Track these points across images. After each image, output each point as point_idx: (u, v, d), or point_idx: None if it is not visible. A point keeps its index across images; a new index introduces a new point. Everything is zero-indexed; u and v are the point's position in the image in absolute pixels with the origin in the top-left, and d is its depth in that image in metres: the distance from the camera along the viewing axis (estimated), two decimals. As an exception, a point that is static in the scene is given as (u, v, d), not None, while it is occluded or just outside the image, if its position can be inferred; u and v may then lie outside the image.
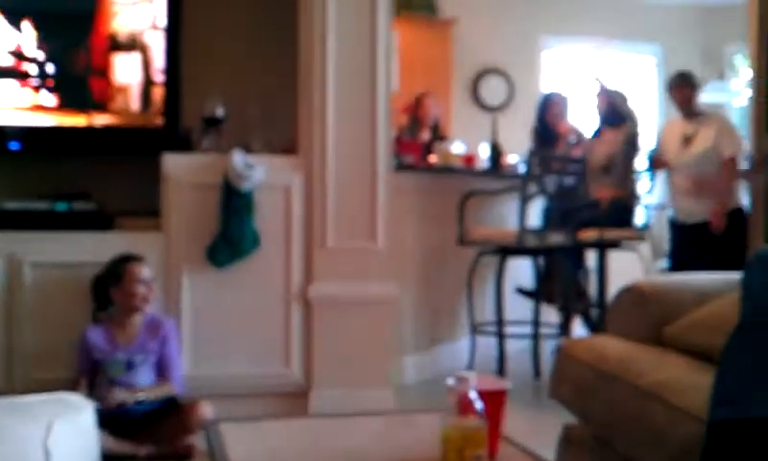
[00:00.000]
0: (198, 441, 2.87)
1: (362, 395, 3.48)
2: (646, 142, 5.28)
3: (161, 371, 3.19)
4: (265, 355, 3.58)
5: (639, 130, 5.14)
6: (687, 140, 4.87)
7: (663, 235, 5.94)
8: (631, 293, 2.45)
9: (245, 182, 3.44)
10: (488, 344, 4.52)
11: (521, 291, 4.83)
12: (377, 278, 3.63)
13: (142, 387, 3.10)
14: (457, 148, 4.85)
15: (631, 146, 5.07)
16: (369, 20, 3.61)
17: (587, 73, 7.53)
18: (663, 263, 5.66)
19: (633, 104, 5.31)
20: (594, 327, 4.84)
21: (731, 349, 1.53)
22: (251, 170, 3.44)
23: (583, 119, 5.46)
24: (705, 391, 1.51)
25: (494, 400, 1.65)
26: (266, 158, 3.58)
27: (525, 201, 4.19)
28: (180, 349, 3.36)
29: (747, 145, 4.68)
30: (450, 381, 1.51)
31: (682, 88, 4.96)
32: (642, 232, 5.11)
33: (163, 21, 3.69)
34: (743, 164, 4.71)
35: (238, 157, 3.44)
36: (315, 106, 3.59)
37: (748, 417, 1.38)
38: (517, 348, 4.71)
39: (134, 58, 3.73)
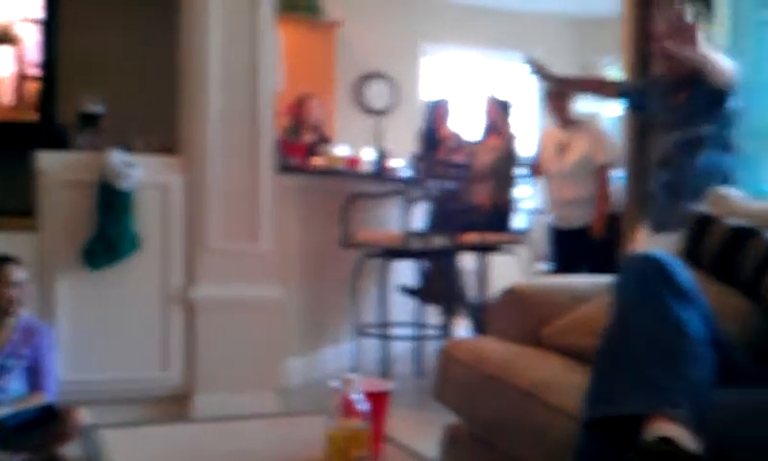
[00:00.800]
0: (75, 448, 2.78)
1: (246, 398, 3.44)
2: (525, 150, 5.45)
3: (34, 377, 3.06)
4: (144, 359, 3.50)
5: (518, 138, 5.30)
6: (563, 149, 5.04)
7: (542, 239, 6.14)
8: (510, 295, 2.49)
9: (124, 182, 3.35)
10: (372, 346, 4.56)
11: (405, 289, 4.88)
12: (261, 279, 3.60)
13: (13, 394, 2.97)
14: (341, 151, 4.87)
15: (511, 153, 5.22)
16: (251, 20, 3.57)
17: (468, 80, 7.70)
18: (542, 266, 5.85)
19: (513, 113, 5.47)
20: (477, 328, 4.95)
21: (602, 349, 1.58)
22: (130, 169, 3.35)
23: (464, 125, 5.58)
24: (580, 390, 1.56)
25: (378, 402, 1.66)
26: (145, 157, 3.50)
27: (409, 204, 4.24)
28: (56, 354, 3.24)
29: (620, 153, 4.89)
30: (334, 383, 1.51)
31: (556, 98, 5.13)
32: (521, 236, 5.28)
33: (39, 13, 3.56)
34: (618, 172, 4.92)
35: (116, 156, 3.34)
36: (196, 105, 3.53)
37: (619, 415, 1.42)
38: (402, 349, 4.77)
39: (6, 51, 3.57)
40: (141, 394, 3.46)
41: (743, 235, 2.20)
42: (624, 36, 4.59)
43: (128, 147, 3.47)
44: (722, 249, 2.21)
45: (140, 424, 2.89)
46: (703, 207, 2.48)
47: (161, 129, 3.66)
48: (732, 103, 3.41)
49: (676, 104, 3.53)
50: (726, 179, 3.34)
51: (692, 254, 2.29)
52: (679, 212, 3.39)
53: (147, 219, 3.48)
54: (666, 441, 1.33)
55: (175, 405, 3.48)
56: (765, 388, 1.64)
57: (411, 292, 4.83)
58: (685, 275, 1.67)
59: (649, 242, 3.54)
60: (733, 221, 2.28)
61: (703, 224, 2.32)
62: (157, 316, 3.51)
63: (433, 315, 5.17)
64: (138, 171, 3.37)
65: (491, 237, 4.98)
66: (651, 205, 3.66)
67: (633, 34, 4.47)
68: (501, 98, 5.37)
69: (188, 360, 3.53)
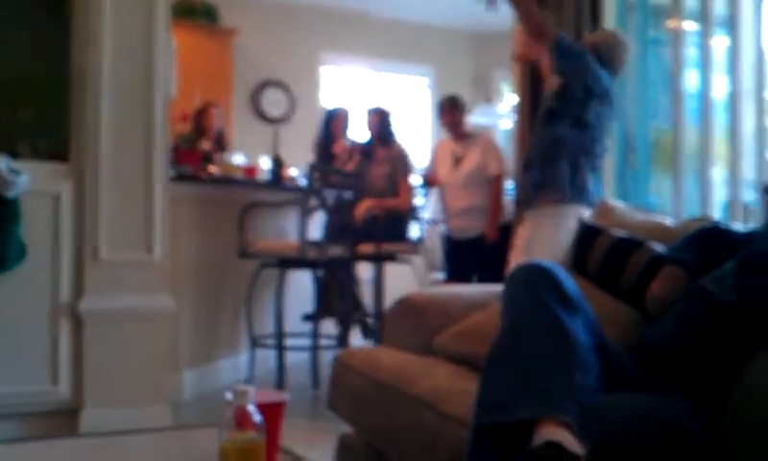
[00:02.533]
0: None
1: (138, 412, 3.35)
2: (419, 161, 5.53)
3: None
4: (31, 373, 3.37)
5: (407, 148, 5.38)
6: (457, 161, 5.15)
7: (436, 248, 6.23)
8: (404, 305, 2.52)
9: (10, 189, 3.22)
10: (268, 357, 4.52)
11: (307, 317, 4.89)
12: (153, 290, 3.52)
13: None
14: (238, 159, 4.82)
15: (403, 164, 5.29)
16: (146, 26, 3.50)
17: (363, 91, 7.76)
18: (437, 275, 5.93)
19: (402, 123, 5.56)
20: (373, 337, 4.99)
21: (492, 357, 1.61)
22: (16, 176, 3.23)
23: (359, 136, 5.62)
24: (471, 397, 1.57)
25: (272, 413, 1.64)
26: (33, 165, 3.37)
27: (306, 214, 4.23)
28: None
29: (510, 164, 5.02)
30: (228, 395, 1.49)
31: (451, 112, 5.24)
32: (416, 246, 5.35)
33: None
34: (509, 181, 5.06)
35: (1, 162, 3.21)
36: (88, 111, 3.43)
37: (509, 422, 1.45)
38: (298, 360, 4.75)
39: None
40: (28, 408, 3.32)
41: (628, 246, 2.29)
42: (515, 48, 4.71)
43: (14, 153, 3.34)
44: (607, 259, 2.29)
45: (27, 439, 2.79)
46: (590, 219, 2.58)
47: (53, 134, 3.54)
48: (596, 83, 3.55)
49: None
50: (574, 153, 3.49)
51: (579, 263, 2.36)
52: (530, 183, 3.57)
53: (35, 228, 3.35)
54: (553, 445, 1.36)
55: (63, 420, 3.36)
56: (646, 393, 1.69)
57: (311, 317, 4.83)
58: (571, 283, 1.73)
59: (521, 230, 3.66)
60: (619, 232, 2.37)
61: (589, 235, 2.40)
62: (46, 328, 3.39)
63: (330, 326, 5.18)
64: (25, 178, 3.25)
65: (386, 247, 5.04)
66: (517, 189, 3.82)
67: (524, 44, 4.58)
68: (383, 109, 5.43)
69: (77, 374, 3.41)
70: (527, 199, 3.67)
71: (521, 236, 3.66)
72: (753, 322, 1.67)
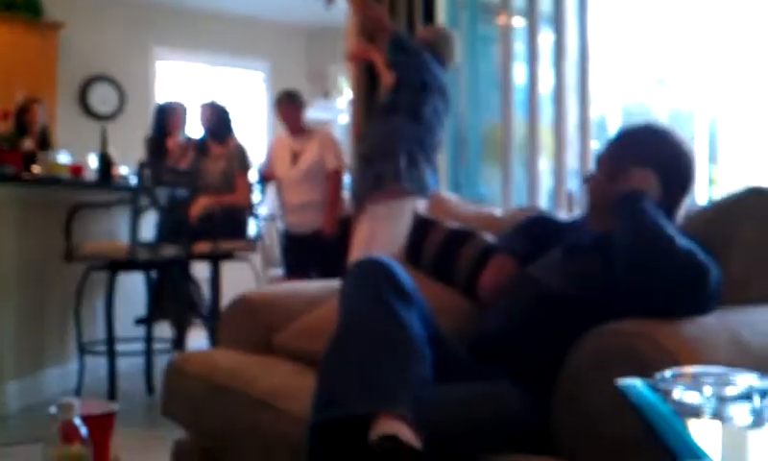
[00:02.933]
0: None
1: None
2: (255, 156, 5.47)
3: None
4: None
5: (243, 144, 5.31)
6: (295, 156, 5.13)
7: (274, 245, 6.20)
8: (241, 304, 2.49)
9: None
10: (100, 364, 4.34)
11: (140, 321, 4.72)
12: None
13: None
14: (63, 158, 4.59)
15: (240, 160, 5.21)
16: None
17: (198, 86, 7.61)
18: (275, 271, 5.89)
19: (239, 119, 5.48)
20: (212, 338, 4.88)
21: (329, 353, 1.61)
22: None
23: (192, 132, 5.49)
24: (311, 394, 1.57)
25: (101, 425, 1.60)
26: None
27: (137, 213, 4.08)
28: None
29: (348, 159, 5.06)
30: (52, 409, 1.43)
31: (288, 107, 5.21)
32: (254, 243, 5.29)
33: None
34: (347, 176, 5.09)
35: None
36: None
37: (346, 417, 1.45)
38: (131, 365, 4.58)
39: None
40: None
41: (460, 238, 2.34)
42: (349, 46, 4.75)
43: None
44: (440, 250, 2.34)
45: None
46: (424, 211, 2.62)
47: None
48: (432, 78, 3.65)
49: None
50: (411, 146, 3.57)
51: (413, 255, 2.40)
52: (368, 178, 3.64)
53: None
54: (389, 438, 1.37)
55: None
56: (479, 381, 1.74)
57: (144, 321, 4.67)
58: (406, 277, 1.75)
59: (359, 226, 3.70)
60: (451, 224, 2.42)
61: (423, 226, 2.44)
62: None
63: (165, 329, 5.03)
64: None
65: (223, 245, 4.95)
66: (352, 182, 3.87)
67: (356, 43, 4.64)
68: (218, 104, 5.34)
69: None
70: (365, 193, 3.70)
71: (361, 232, 3.69)
72: (577, 308, 1.74)
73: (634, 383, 1.09)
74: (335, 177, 5.07)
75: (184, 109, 5.56)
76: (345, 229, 4.84)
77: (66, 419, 1.43)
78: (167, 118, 5.47)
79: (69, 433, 1.42)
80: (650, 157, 1.82)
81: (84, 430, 1.43)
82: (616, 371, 1.28)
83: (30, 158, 4.65)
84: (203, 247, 4.89)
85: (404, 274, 1.76)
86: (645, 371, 1.19)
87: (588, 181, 1.99)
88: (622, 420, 1.33)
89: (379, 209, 3.60)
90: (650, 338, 1.43)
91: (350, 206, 4.80)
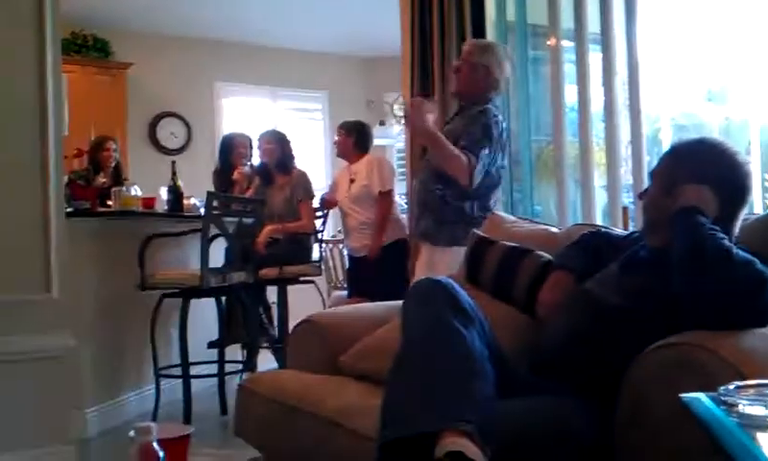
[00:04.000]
0: None
1: (40, 454, 3.27)
2: (316, 184, 5.59)
3: None
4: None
5: (304, 172, 5.43)
6: (351, 181, 5.23)
7: (338, 266, 6.31)
8: (306, 326, 2.55)
9: None
10: (175, 387, 4.47)
11: (212, 345, 4.85)
12: (53, 329, 3.44)
13: None
14: (135, 191, 4.77)
15: (304, 187, 5.34)
16: (36, 64, 3.42)
17: (261, 118, 7.78)
18: (340, 294, 6.00)
19: (299, 148, 5.61)
20: (282, 360, 4.99)
21: (393, 372, 1.65)
22: None
23: (256, 162, 5.64)
24: (377, 413, 1.60)
25: (177, 447, 1.65)
26: None
27: (206, 241, 4.22)
28: None
29: (399, 181, 5.13)
30: (131, 433, 1.48)
31: (344, 137, 5.33)
32: (318, 266, 5.40)
33: None
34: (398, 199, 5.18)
35: None
36: (-23, 152, 3.35)
37: (413, 434, 1.48)
38: (205, 388, 4.71)
39: None
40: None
41: (518, 255, 2.39)
42: (403, 74, 4.83)
43: None
44: (499, 269, 2.39)
45: None
46: (480, 232, 2.67)
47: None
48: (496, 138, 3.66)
49: None
50: (455, 217, 3.59)
51: (472, 275, 2.45)
52: (420, 226, 3.68)
53: None
54: (456, 455, 1.40)
55: (-38, 469, 3.26)
56: (537, 396, 1.77)
57: (216, 344, 4.80)
58: (465, 296, 1.80)
59: (428, 256, 3.74)
60: (509, 243, 2.47)
61: (481, 246, 2.50)
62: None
63: (237, 351, 5.16)
64: None
65: (289, 270, 5.07)
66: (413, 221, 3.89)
67: (412, 71, 4.71)
68: (281, 134, 5.48)
69: (-24, 420, 3.31)
70: (419, 233, 3.77)
71: (423, 256, 3.74)
72: (635, 322, 1.76)
73: (698, 397, 1.08)
74: (381, 200, 5.12)
75: (248, 140, 5.72)
76: (395, 251, 4.91)
77: (144, 442, 1.47)
78: (231, 149, 5.64)
79: (147, 456, 1.47)
80: (704, 171, 1.84)
81: (161, 453, 1.48)
82: (678, 384, 1.30)
83: (104, 193, 4.85)
84: (270, 272, 5.02)
85: (464, 293, 1.80)
86: (707, 383, 1.19)
87: (643, 196, 2.01)
88: (686, 433, 1.32)
89: (437, 251, 3.64)
90: (711, 351, 1.42)
91: (405, 227, 4.87)
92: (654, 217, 1.94)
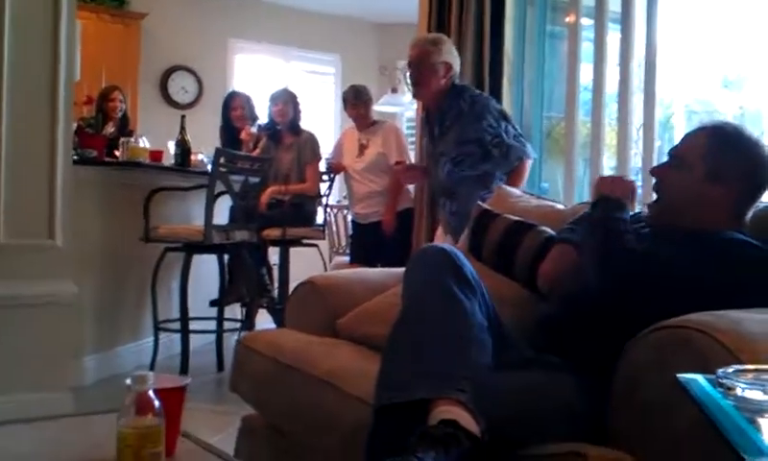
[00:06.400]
0: None
1: (37, 399, 3.29)
2: (325, 148, 5.58)
3: None
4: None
5: (313, 135, 5.42)
6: (362, 148, 5.21)
7: (342, 233, 6.31)
8: (307, 287, 2.54)
9: None
10: (173, 341, 4.50)
11: (213, 303, 4.87)
12: (55, 275, 3.46)
13: None
14: (143, 143, 4.77)
15: (311, 150, 5.33)
16: (51, 9, 3.42)
17: (272, 78, 7.74)
18: (342, 259, 6.01)
19: (310, 111, 5.59)
20: (279, 321, 5.01)
21: (392, 337, 1.66)
22: None
23: (264, 122, 5.62)
24: (372, 377, 1.61)
25: (173, 398, 1.61)
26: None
27: (212, 198, 4.22)
28: None
29: (412, 151, 5.12)
30: (127, 381, 1.47)
31: (354, 103, 5.30)
32: (321, 230, 5.41)
33: None
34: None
35: None
36: (-12, 93, 3.34)
37: (407, 401, 1.49)
38: (203, 343, 4.74)
39: None
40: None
41: (521, 229, 2.38)
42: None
43: None
44: (502, 242, 2.38)
45: None
46: (485, 204, 2.66)
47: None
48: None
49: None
50: (492, 184, 3.61)
51: (475, 247, 2.45)
52: (448, 210, 3.69)
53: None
54: (449, 423, 1.40)
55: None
56: (535, 370, 1.76)
57: (217, 302, 4.82)
58: (469, 266, 1.79)
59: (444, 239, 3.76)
60: (513, 217, 2.46)
61: (484, 219, 2.49)
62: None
63: (236, 310, 5.18)
64: None
65: (292, 232, 5.08)
66: (445, 225, 3.88)
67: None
68: (292, 94, 5.46)
69: (-26, 362, 3.33)
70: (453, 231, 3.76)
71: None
72: (634, 300, 1.74)
73: (695, 378, 1.07)
74: (397, 168, 5.11)
75: (245, 99, 5.70)
76: (405, 220, 4.91)
77: (141, 390, 1.45)
78: (229, 109, 5.63)
79: (143, 404, 1.45)
80: (725, 154, 1.86)
81: (157, 402, 1.46)
82: (674, 366, 1.28)
83: (111, 143, 4.84)
84: (273, 233, 5.02)
85: (467, 262, 1.80)
86: (704, 367, 1.17)
87: (656, 171, 2.00)
88: (680, 414, 1.33)
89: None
90: (709, 335, 1.42)
91: (413, 200, 4.86)
92: (667, 195, 1.93)
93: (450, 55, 3.76)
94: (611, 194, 1.95)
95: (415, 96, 4.00)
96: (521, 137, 3.74)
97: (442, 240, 3.77)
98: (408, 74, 3.80)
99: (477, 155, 3.61)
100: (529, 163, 3.78)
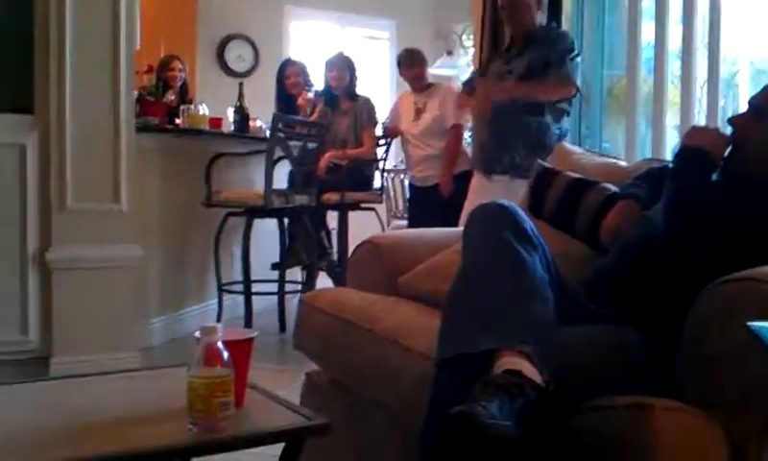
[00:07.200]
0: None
1: (107, 359, 3.40)
2: (381, 112, 5.58)
3: None
4: (1, 323, 3.40)
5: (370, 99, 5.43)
6: (418, 112, 5.20)
7: (399, 196, 6.31)
8: (367, 247, 2.57)
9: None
10: (237, 303, 4.58)
11: (275, 266, 4.93)
12: (121, 240, 3.56)
13: None
14: (204, 110, 4.83)
15: (369, 114, 5.33)
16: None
17: (328, 44, 7.74)
18: (400, 223, 6.02)
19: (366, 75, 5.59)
20: (338, 283, 5.06)
21: (454, 291, 1.66)
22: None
23: (321, 88, 5.63)
24: (433, 333, 1.61)
25: (241, 350, 1.65)
26: (-3, 116, 3.37)
27: (271, 163, 4.26)
28: None
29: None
30: (197, 333, 1.51)
31: (409, 65, 5.28)
32: (379, 195, 5.43)
33: None
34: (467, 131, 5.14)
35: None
36: (51, 62, 3.42)
37: (468, 353, 1.49)
38: (266, 306, 4.81)
39: None
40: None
41: (582, 187, 2.36)
42: (475, 3, 4.75)
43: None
44: (563, 199, 2.37)
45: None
46: (546, 162, 2.64)
47: (15, 87, 3.52)
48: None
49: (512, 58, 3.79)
50: (554, 140, 3.62)
51: (535, 205, 2.44)
52: (504, 161, 3.71)
53: (1, 180, 3.36)
54: (513, 373, 1.39)
55: (34, 369, 3.40)
56: (598, 324, 1.76)
57: (278, 265, 4.88)
58: (529, 221, 1.78)
59: (481, 186, 3.78)
60: (574, 174, 2.44)
61: (545, 176, 2.47)
62: (14, 280, 3.42)
63: (297, 273, 5.24)
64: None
65: (350, 196, 5.10)
66: (481, 150, 3.93)
67: (483, 2, 4.63)
68: (349, 59, 5.45)
69: (46, 323, 3.45)
70: (501, 169, 3.79)
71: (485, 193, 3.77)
72: (693, 251, 1.73)
73: (765, 325, 1.07)
74: (455, 132, 5.08)
75: (299, 67, 5.72)
76: (463, 182, 4.90)
77: (210, 342, 1.49)
78: (284, 77, 5.66)
79: (212, 355, 1.48)
80: None
81: (225, 354, 1.49)
82: (744, 316, 1.26)
83: (172, 111, 4.92)
84: (331, 197, 5.06)
85: (527, 218, 1.79)
86: None
87: (735, 121, 1.96)
88: (750, 363, 1.32)
89: (512, 186, 3.68)
90: None
91: (471, 162, 4.84)
92: (751, 148, 1.89)
93: None
94: (696, 144, 1.89)
95: (511, 29, 4.06)
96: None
97: (482, 188, 3.84)
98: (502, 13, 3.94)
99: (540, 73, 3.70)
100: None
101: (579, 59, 3.74)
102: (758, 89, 1.96)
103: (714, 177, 1.93)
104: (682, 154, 1.92)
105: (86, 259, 3.48)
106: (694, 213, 1.78)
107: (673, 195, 1.82)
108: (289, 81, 5.62)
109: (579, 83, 3.72)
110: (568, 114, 3.80)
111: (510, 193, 3.51)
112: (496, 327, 1.51)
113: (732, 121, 1.96)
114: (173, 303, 4.44)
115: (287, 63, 5.85)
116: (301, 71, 5.69)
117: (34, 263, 3.44)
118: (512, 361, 1.43)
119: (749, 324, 1.09)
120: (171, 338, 4.26)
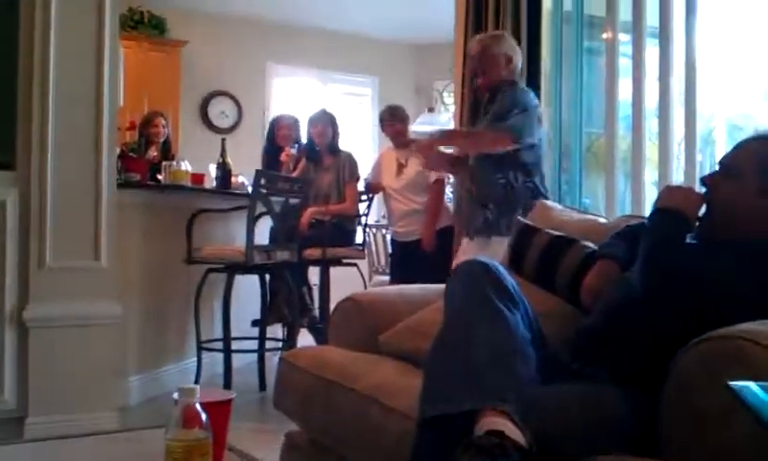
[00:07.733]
0: None
1: (84, 419, 3.34)
2: (363, 168, 5.61)
3: None
4: (-25, 382, 3.34)
5: (352, 155, 5.46)
6: (401, 167, 5.23)
7: (381, 252, 6.32)
8: (348, 304, 2.56)
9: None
10: (216, 361, 4.54)
11: (255, 323, 4.90)
12: (100, 297, 3.52)
13: None
14: (186, 166, 4.83)
15: (351, 170, 5.36)
16: (95, 37, 3.49)
17: (310, 101, 7.81)
18: (382, 278, 6.01)
19: (348, 131, 5.62)
20: (320, 339, 5.03)
21: (435, 349, 1.65)
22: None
23: (303, 143, 5.67)
24: (414, 392, 1.61)
25: (219, 411, 1.61)
26: (-24, 172, 3.35)
27: (253, 219, 4.26)
28: None
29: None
30: (175, 394, 1.48)
31: (391, 122, 5.33)
32: (361, 250, 5.43)
33: None
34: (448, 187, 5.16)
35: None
36: (34, 118, 3.41)
37: (453, 413, 1.48)
38: (245, 363, 4.77)
39: None
40: (-28, 418, 3.30)
41: (563, 244, 2.37)
42: (456, 61, 4.81)
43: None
44: (543, 257, 2.37)
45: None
46: (526, 219, 2.65)
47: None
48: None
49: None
50: (525, 196, 3.62)
51: (516, 262, 2.44)
52: (478, 220, 3.72)
53: (-21, 236, 3.34)
54: (495, 434, 1.38)
55: (8, 429, 3.34)
56: (580, 382, 1.75)
57: (258, 322, 4.85)
58: (510, 279, 1.79)
59: (466, 245, 3.79)
60: (554, 232, 2.45)
61: (526, 234, 2.48)
62: (-10, 337, 3.37)
63: (277, 330, 5.21)
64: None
65: (332, 251, 5.10)
66: (459, 211, 3.95)
67: (464, 59, 4.69)
68: (331, 115, 5.49)
69: (22, 382, 3.39)
70: (475, 230, 3.78)
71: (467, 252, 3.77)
72: (671, 310, 1.73)
73: (747, 385, 1.05)
74: (436, 188, 5.12)
75: (292, 121, 5.77)
76: (445, 238, 4.91)
77: (188, 403, 1.46)
78: (276, 130, 5.70)
79: (190, 417, 1.45)
80: None
81: (203, 415, 1.46)
82: (725, 375, 1.27)
83: (154, 167, 4.92)
84: (313, 252, 5.05)
85: (508, 276, 1.79)
86: (755, 375, 1.17)
87: (707, 180, 1.96)
88: (733, 423, 1.31)
89: (489, 243, 3.69)
90: (759, 342, 1.40)
91: (453, 218, 4.86)
92: (723, 209, 1.90)
93: (511, 48, 3.89)
94: (670, 205, 1.91)
95: (475, 89, 4.12)
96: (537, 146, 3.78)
97: (465, 248, 3.82)
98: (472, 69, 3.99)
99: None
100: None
101: (538, 112, 3.75)
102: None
103: (691, 236, 1.95)
104: (656, 215, 1.93)
105: (64, 317, 3.44)
106: (668, 273, 1.79)
107: (647, 256, 1.82)
108: (281, 132, 5.67)
109: (536, 137, 3.69)
110: (533, 170, 3.72)
111: (489, 250, 3.52)
112: (478, 387, 1.50)
113: (704, 180, 1.98)
114: (151, 362, 4.39)
115: (280, 117, 5.90)
116: (293, 125, 5.73)
117: (11, 322, 3.39)
118: (494, 421, 1.42)
119: (730, 384, 1.08)
120: (148, 397, 4.19)
